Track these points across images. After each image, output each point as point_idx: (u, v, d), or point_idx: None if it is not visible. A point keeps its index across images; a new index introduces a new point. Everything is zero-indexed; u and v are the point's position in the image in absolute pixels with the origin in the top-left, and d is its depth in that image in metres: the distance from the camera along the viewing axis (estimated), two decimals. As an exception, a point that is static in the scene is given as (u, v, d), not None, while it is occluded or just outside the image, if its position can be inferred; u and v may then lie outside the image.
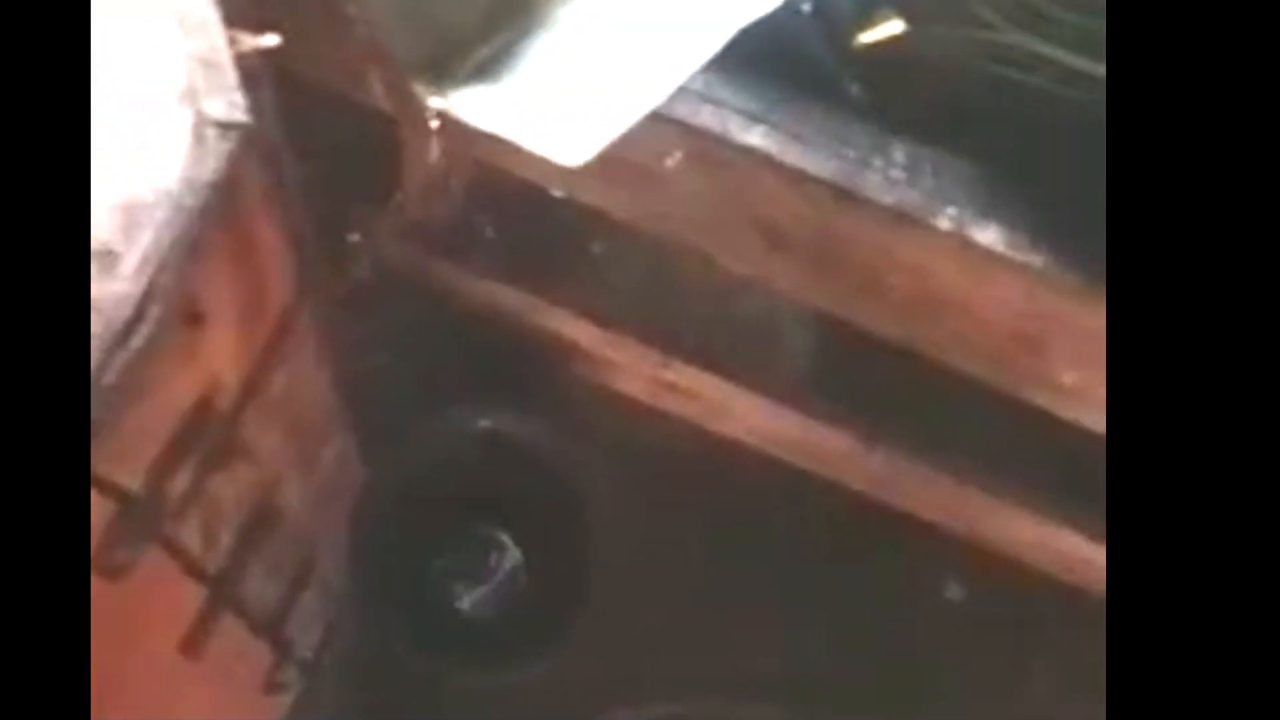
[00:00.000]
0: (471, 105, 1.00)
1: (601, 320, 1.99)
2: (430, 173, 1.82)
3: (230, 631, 1.43)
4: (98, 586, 1.06)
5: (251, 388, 1.20)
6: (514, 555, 2.07)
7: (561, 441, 2.00)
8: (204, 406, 1.11)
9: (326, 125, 1.57)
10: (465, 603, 2.05)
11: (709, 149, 1.38)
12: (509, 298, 1.99)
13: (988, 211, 1.36)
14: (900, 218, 1.38)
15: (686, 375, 1.98)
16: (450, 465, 1.99)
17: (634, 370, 2.01)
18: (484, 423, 1.99)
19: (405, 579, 1.97)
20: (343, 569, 1.83)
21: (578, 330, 2.00)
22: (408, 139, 1.73)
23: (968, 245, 1.38)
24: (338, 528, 1.77)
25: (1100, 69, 1.25)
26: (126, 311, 0.90)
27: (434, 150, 1.73)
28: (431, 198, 1.85)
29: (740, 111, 1.36)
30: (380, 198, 1.94)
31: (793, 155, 1.36)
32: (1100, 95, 1.27)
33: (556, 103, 1.00)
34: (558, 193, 1.94)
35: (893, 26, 1.27)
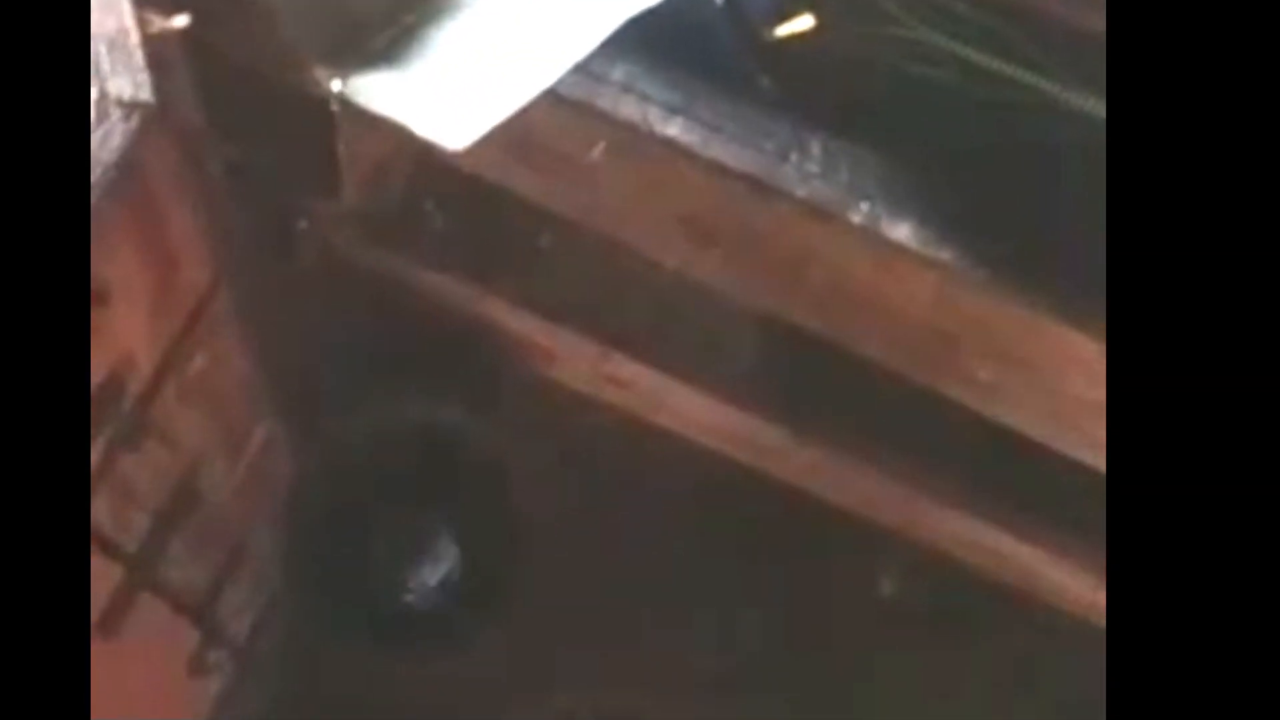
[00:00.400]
0: (370, 90, 1.01)
1: (542, 311, 2.00)
2: (370, 159, 1.84)
3: (150, 611, 1.44)
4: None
5: (166, 368, 1.22)
6: (448, 545, 2.08)
7: (499, 430, 2.02)
8: (113, 385, 1.12)
9: (261, 110, 1.58)
10: (399, 593, 2.06)
11: (631, 140, 1.40)
12: (450, 287, 2.00)
13: (900, 206, 1.39)
14: (815, 212, 1.40)
15: (625, 367, 2.00)
16: (387, 454, 2.00)
17: (574, 361, 2.02)
18: (421, 412, 2.00)
19: (338, 568, 1.98)
20: (275, 555, 1.84)
21: (518, 321, 2.01)
22: (344, 125, 1.75)
23: (881, 240, 1.40)
24: (268, 514, 1.78)
25: (1002, 65, 1.28)
26: (23, 286, 0.90)
27: (376, 138, 1.75)
28: (372, 186, 1.87)
29: (660, 104, 1.38)
30: (322, 184, 1.96)
31: (712, 148, 1.39)
32: (1003, 92, 1.31)
33: (445, 86, 1.01)
34: (492, 182, 1.96)
35: (803, 21, 1.29)
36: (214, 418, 1.42)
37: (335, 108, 1.06)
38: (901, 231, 1.39)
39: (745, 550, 2.18)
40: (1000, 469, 1.88)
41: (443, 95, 1.02)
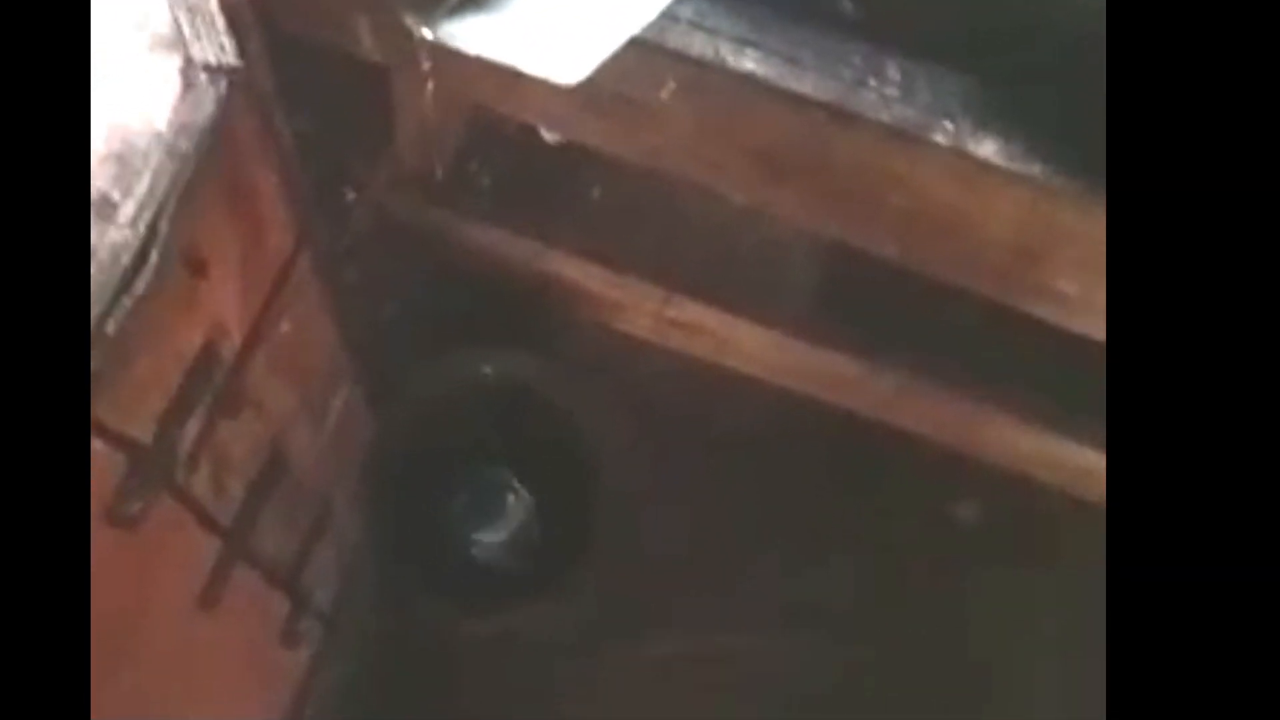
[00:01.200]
0: (464, 34, 0.98)
1: (602, 260, 1.98)
2: (424, 121, 1.82)
3: (245, 582, 1.44)
4: (113, 538, 1.07)
5: (256, 336, 1.20)
6: (524, 498, 2.08)
7: (567, 383, 2.00)
8: (209, 355, 1.11)
9: (317, 77, 1.56)
10: (478, 548, 2.06)
11: (702, 76, 1.37)
12: (509, 242, 1.98)
13: (985, 124, 1.35)
14: (897, 135, 1.37)
15: (690, 311, 1.98)
16: (457, 411, 1.99)
17: (637, 308, 2.00)
18: (489, 368, 1.98)
19: (418, 527, 1.98)
20: (356, 520, 1.83)
21: (579, 271, 1.99)
22: (399, 88, 1.72)
23: (965, 158, 1.37)
24: (349, 479, 1.77)
25: (1092, -27, 1.24)
26: (126, 259, 0.89)
27: (427, 97, 1.72)
28: (427, 147, 1.85)
29: (732, 37, 1.34)
30: (376, 149, 1.94)
31: (787, 79, 1.35)
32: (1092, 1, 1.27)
33: (549, 25, 0.98)
34: (553, 134, 1.94)
35: (881, -60, 1.25)
36: (299, 384, 1.41)
37: (425, 59, 1.03)
38: (987, 149, 1.36)
39: (823, 486, 2.16)
40: (1085, 384, 1.86)
41: (547, 33, 0.99)
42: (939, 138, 1.36)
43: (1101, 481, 1.98)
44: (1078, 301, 1.53)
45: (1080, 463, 1.98)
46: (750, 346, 2.01)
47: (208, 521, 1.24)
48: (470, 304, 2.00)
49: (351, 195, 1.96)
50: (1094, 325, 1.55)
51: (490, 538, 2.05)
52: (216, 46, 0.97)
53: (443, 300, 2.01)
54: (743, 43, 1.36)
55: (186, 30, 0.97)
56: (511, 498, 2.06)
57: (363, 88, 1.74)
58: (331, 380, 1.55)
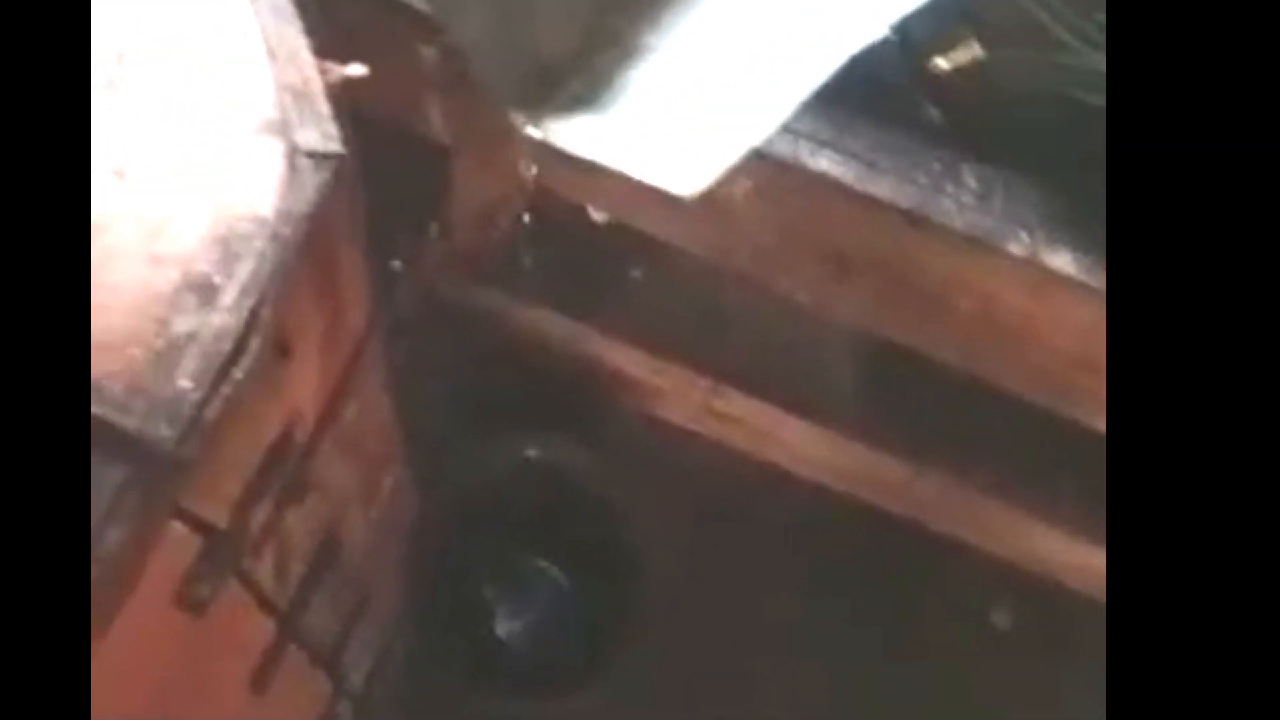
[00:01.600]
0: (569, 133, 0.98)
1: (650, 347, 1.97)
2: (482, 204, 1.82)
3: (294, 665, 1.41)
4: (179, 620, 1.05)
5: (327, 419, 1.19)
6: (561, 585, 2.05)
7: (609, 470, 1.99)
8: (285, 440, 1.09)
9: (381, 154, 1.57)
10: (512, 633, 2.03)
11: (779, 176, 1.37)
12: (556, 325, 1.97)
13: (1059, 236, 1.36)
14: (970, 242, 1.37)
15: (735, 403, 1.97)
16: (499, 495, 1.98)
17: (682, 398, 1.99)
18: (532, 451, 1.97)
19: (455, 610, 1.95)
20: (395, 600, 1.81)
21: (625, 358, 1.98)
22: (462, 168, 1.73)
23: (1038, 269, 1.37)
24: (391, 559, 1.75)
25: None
26: (227, 345, 0.88)
27: (492, 182, 1.73)
28: (481, 229, 1.85)
29: (811, 138, 1.35)
30: (427, 226, 1.94)
31: (864, 181, 1.36)
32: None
33: (665, 133, 0.98)
34: (600, 216, 1.94)
35: (970, 50, 1.26)
36: (358, 465, 1.40)
37: (528, 154, 1.03)
38: (1059, 261, 1.36)
39: (857, 585, 2.14)
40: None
41: (664, 142, 0.99)
42: (1013, 247, 1.37)
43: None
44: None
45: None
46: (793, 441, 2.00)
47: (266, 605, 1.22)
48: (515, 386, 1.99)
49: (401, 270, 1.96)
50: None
51: (523, 625, 2.03)
52: (320, 133, 0.97)
53: (488, 381, 2.01)
54: (821, 143, 1.36)
55: (292, 115, 0.97)
56: (548, 586, 2.04)
57: (420, 164, 1.75)
58: (386, 460, 1.54)
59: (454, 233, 1.92)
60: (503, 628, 2.01)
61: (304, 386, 1.11)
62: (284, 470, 1.12)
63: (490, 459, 1.97)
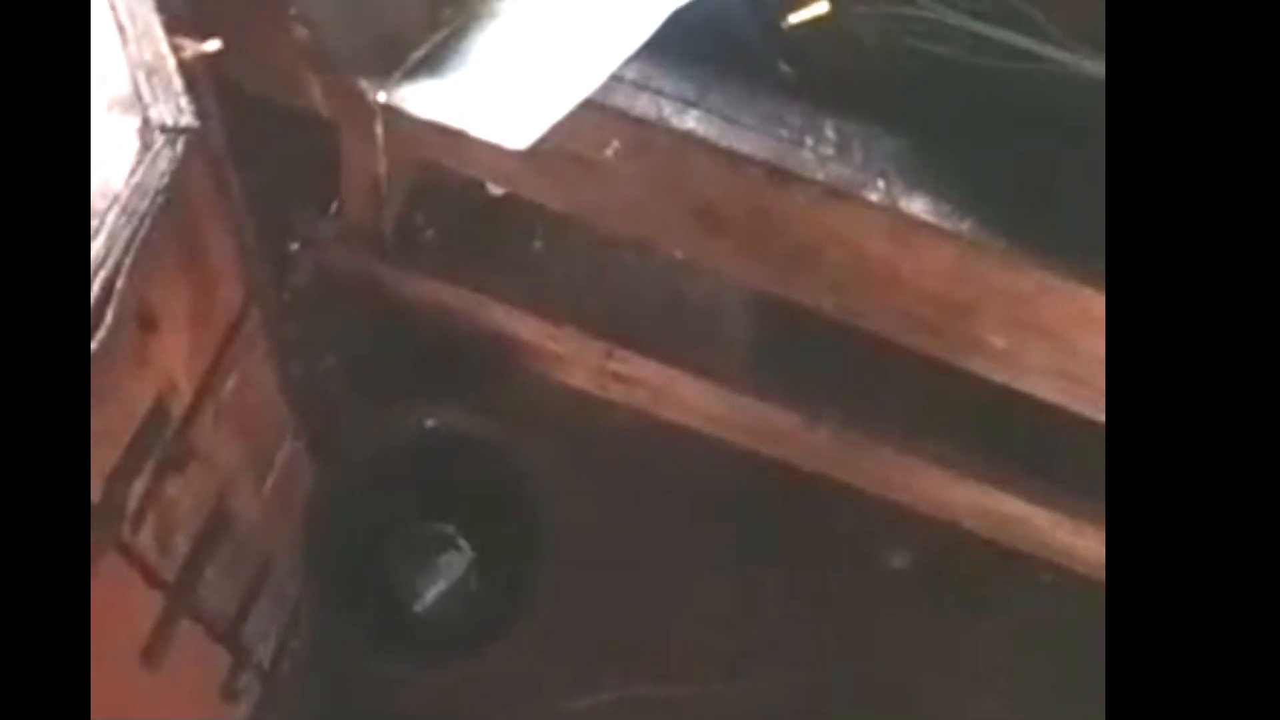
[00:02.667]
0: (416, 98, 1.01)
1: (544, 313, 2.00)
2: (373, 176, 1.84)
3: (188, 638, 1.43)
4: (61, 594, 1.06)
5: (204, 391, 1.21)
6: (465, 551, 2.08)
7: (510, 436, 2.02)
8: (159, 411, 1.11)
9: (265, 132, 1.58)
10: (419, 601, 2.06)
11: (646, 136, 1.41)
12: (452, 296, 2.00)
13: (916, 182, 1.40)
14: (832, 193, 1.42)
15: (631, 364, 2.01)
16: (399, 464, 2.00)
17: (579, 361, 2.03)
18: (432, 420, 2.00)
19: (358, 580, 1.98)
20: (296, 573, 1.83)
21: (521, 325, 2.01)
22: (348, 143, 1.74)
23: (898, 216, 1.42)
24: (290, 531, 1.77)
25: (1012, 37, 1.30)
26: (84, 317, 0.90)
27: (375, 153, 1.74)
28: (374, 201, 1.87)
29: (675, 97, 1.38)
30: (321, 202, 1.96)
31: (727, 138, 1.40)
32: (1014, 63, 1.33)
33: (499, 89, 1.01)
34: (497, 189, 1.96)
35: (819, 7, 1.30)
36: (245, 438, 1.42)
37: (379, 120, 1.05)
38: (918, 206, 1.41)
39: (757, 536, 2.19)
40: (1012, 435, 1.91)
41: (497, 98, 1.02)
42: (872, 195, 1.41)
43: (1029, 529, 2.03)
44: (1006, 355, 1.58)
45: (1007, 511, 2.03)
46: (689, 399, 2.04)
47: (152, 577, 1.24)
48: (413, 357, 2.01)
49: (295, 248, 1.97)
50: (1019, 378, 1.61)
51: (428, 591, 2.05)
52: (174, 107, 0.98)
53: (385, 353, 2.03)
54: (686, 102, 1.40)
55: (145, 91, 0.99)
56: (451, 552, 2.06)
57: (309, 141, 1.76)
58: (276, 434, 1.56)
59: (346, 208, 1.93)
60: (408, 594, 2.04)
61: (175, 359, 1.12)
62: (160, 441, 1.14)
63: (390, 428, 1.99)
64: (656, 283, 2.10)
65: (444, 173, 2.08)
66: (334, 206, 1.97)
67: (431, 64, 0.99)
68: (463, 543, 2.06)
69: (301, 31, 1.38)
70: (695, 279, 2.04)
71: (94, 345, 0.90)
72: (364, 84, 1.01)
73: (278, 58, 1.40)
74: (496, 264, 2.11)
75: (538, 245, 2.17)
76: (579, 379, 2.08)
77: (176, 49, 1.03)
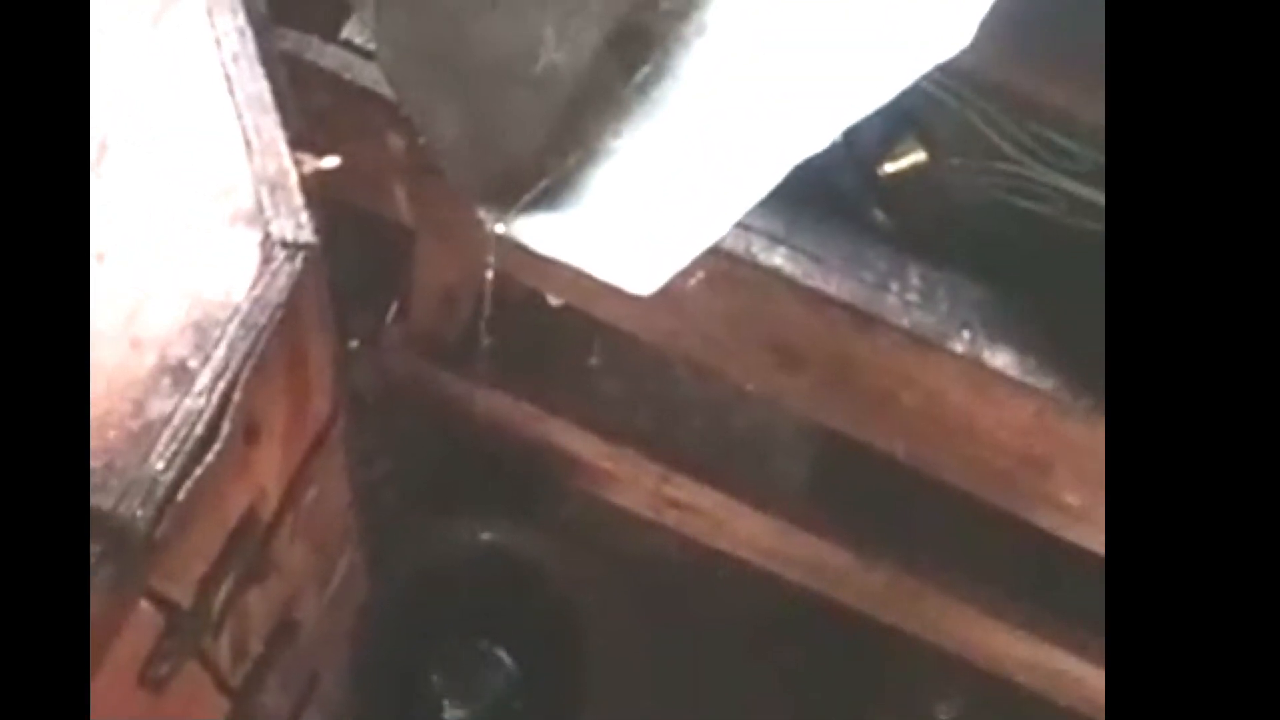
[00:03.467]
0: (532, 231, 1.03)
1: (603, 433, 2.00)
2: (442, 285, 1.86)
3: (245, 746, 1.41)
4: (139, 697, 1.06)
5: (288, 501, 1.21)
6: (510, 671, 2.06)
7: (561, 555, 2.01)
8: (250, 520, 1.11)
9: (346, 235, 1.60)
10: (460, 717, 2.03)
11: (731, 269, 1.42)
12: (511, 408, 2.00)
13: (1000, 335, 1.41)
14: (915, 340, 1.42)
15: (687, 490, 2.00)
16: (451, 577, 1.99)
17: (635, 484, 2.02)
18: (485, 535, 1.99)
19: (404, 694, 1.95)
20: (344, 683, 1.81)
21: (579, 443, 2.01)
22: (424, 250, 1.77)
23: (980, 368, 1.42)
24: (342, 641, 1.76)
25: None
26: (200, 428, 0.91)
27: (450, 264, 1.76)
28: (443, 309, 1.89)
29: (764, 234, 1.40)
30: (386, 306, 1.98)
31: (812, 277, 1.41)
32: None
33: (621, 230, 1.03)
34: (558, 300, 1.98)
35: (915, 156, 1.32)
36: (315, 547, 1.41)
37: (492, 249, 1.07)
38: (1001, 360, 1.41)
39: (805, 675, 2.16)
40: (1078, 593, 1.89)
41: (620, 239, 1.03)
42: (955, 346, 1.42)
43: (1087, 691, 2.00)
44: (1078, 512, 1.57)
45: (1059, 667, 1.99)
46: (744, 530, 2.03)
47: (223, 684, 1.23)
48: (469, 469, 2.01)
49: (360, 351, 1.99)
50: (1091, 536, 1.59)
51: (471, 709, 2.03)
52: (295, 223, 1.00)
53: (441, 464, 2.03)
54: (773, 239, 1.42)
55: (268, 205, 1.01)
56: (495, 670, 2.04)
57: (381, 247, 1.79)
58: (341, 544, 1.55)
59: (414, 314, 1.95)
60: (451, 713, 2.01)
61: (269, 469, 1.13)
62: (247, 551, 1.14)
63: (444, 541, 1.98)
64: (716, 410, 2.10)
65: (512, 284, 2.10)
66: (393, 311, 2.00)
67: (549, 198, 1.01)
68: (508, 661, 2.04)
69: (397, 142, 1.41)
70: (762, 411, 2.04)
71: (209, 457, 0.91)
72: (483, 213, 1.03)
73: (368, 169, 1.43)
74: (558, 379, 2.11)
75: (601, 361, 2.18)
76: (632, 501, 2.07)
77: (298, 164, 1.05)
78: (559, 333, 2.11)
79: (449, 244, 1.71)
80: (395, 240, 1.79)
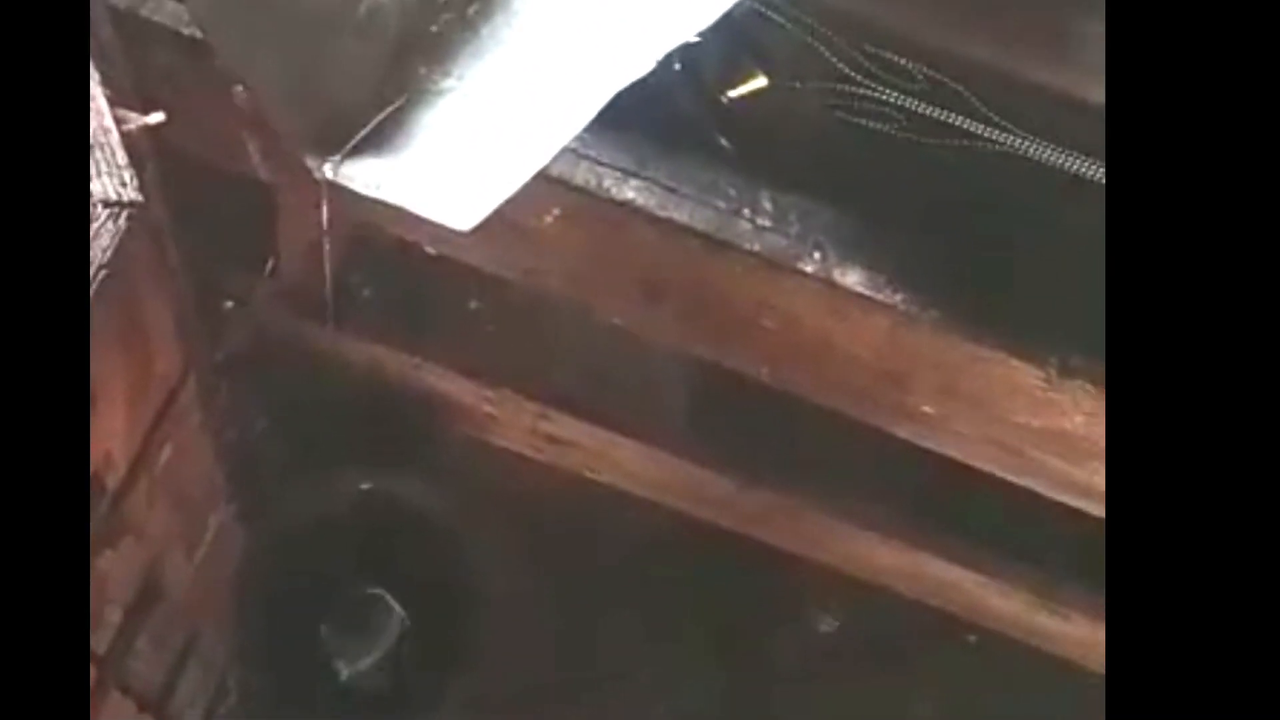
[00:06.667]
0: (361, 175, 1.01)
1: (479, 376, 2.00)
2: (308, 239, 1.83)
3: (118, 710, 1.40)
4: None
5: (139, 464, 1.20)
6: (399, 616, 2.06)
7: (445, 499, 2.01)
8: (95, 485, 1.10)
9: (201, 197, 1.57)
10: (350, 666, 2.03)
11: (586, 205, 1.42)
12: (386, 357, 1.99)
13: (851, 254, 1.43)
14: (768, 263, 1.44)
15: (565, 426, 2.01)
16: (333, 528, 1.98)
17: (514, 423, 2.02)
18: (367, 484, 1.98)
19: (288, 646, 1.95)
20: (226, 640, 1.80)
21: (456, 387, 2.00)
22: (285, 206, 1.74)
23: (833, 287, 1.44)
24: (220, 598, 1.75)
25: (946, 116, 1.33)
26: (23, 395, 0.89)
27: (314, 217, 1.74)
28: (310, 263, 1.86)
29: (615, 168, 1.40)
30: (256, 265, 1.94)
31: (666, 207, 1.41)
32: (948, 141, 1.37)
33: (445, 168, 1.02)
34: (432, 251, 1.96)
35: (757, 82, 1.33)
36: (178, 508, 1.40)
37: (323, 194, 1.06)
38: (852, 279, 1.43)
39: (690, 600, 2.20)
40: (943, 500, 1.94)
41: (443, 177, 1.03)
42: (807, 267, 1.44)
43: (959, 594, 2.06)
44: (936, 422, 1.61)
45: (940, 576, 2.05)
46: (623, 462, 2.04)
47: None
48: (347, 419, 2.00)
49: (231, 309, 1.95)
50: (949, 444, 1.63)
51: (360, 655, 2.03)
52: (118, 182, 0.98)
53: (319, 416, 2.01)
54: (625, 173, 1.42)
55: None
56: (384, 616, 2.04)
57: (244, 203, 1.76)
58: (208, 501, 1.54)
59: (282, 270, 1.92)
60: (341, 659, 2.01)
61: (112, 434, 1.11)
62: (96, 516, 1.12)
63: (326, 492, 1.97)
64: (592, 346, 2.10)
65: (380, 232, 2.08)
66: (268, 267, 1.96)
67: (376, 141, 1.00)
68: (397, 608, 2.04)
69: (243, 97, 1.38)
70: (631, 343, 2.05)
71: (33, 424, 0.89)
72: (310, 160, 1.01)
73: (218, 124, 1.40)
74: (431, 325, 2.10)
75: (472, 306, 2.16)
76: (513, 440, 2.08)
77: (120, 122, 1.02)
78: (437, 281, 2.09)
79: (306, 197, 1.69)
80: (260, 197, 1.76)
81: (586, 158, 1.38)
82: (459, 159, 1.02)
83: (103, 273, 0.95)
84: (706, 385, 1.94)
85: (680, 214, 1.41)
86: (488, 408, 2.02)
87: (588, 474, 2.06)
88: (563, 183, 1.39)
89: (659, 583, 2.17)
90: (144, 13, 1.36)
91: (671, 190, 1.41)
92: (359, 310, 2.08)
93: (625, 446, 2.01)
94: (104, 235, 0.96)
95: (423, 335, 2.00)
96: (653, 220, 1.42)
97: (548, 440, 2.05)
